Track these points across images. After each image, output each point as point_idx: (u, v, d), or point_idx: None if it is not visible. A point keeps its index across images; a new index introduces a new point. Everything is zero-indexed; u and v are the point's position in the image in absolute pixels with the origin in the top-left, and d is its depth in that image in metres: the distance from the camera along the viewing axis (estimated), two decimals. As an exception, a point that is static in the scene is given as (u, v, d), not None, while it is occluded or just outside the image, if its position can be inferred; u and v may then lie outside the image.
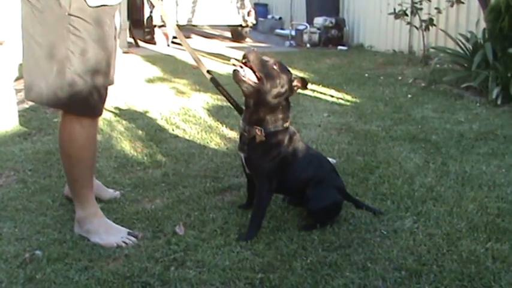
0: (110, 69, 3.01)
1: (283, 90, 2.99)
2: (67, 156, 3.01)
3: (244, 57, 2.93)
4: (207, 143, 4.87)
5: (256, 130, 2.99)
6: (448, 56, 8.11)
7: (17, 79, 6.28)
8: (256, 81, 2.91)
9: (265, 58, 2.99)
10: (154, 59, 10.47)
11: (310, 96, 6.84)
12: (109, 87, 3.06)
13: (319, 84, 7.68)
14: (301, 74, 8.38)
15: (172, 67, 9.27)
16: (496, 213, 3.37)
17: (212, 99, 6.52)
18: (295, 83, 3.07)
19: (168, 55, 11.04)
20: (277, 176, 3.12)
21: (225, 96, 3.40)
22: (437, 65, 8.50)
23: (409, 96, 7.02)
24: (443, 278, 2.64)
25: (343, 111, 6.21)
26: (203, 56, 11.00)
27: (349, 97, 7.01)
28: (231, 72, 2.97)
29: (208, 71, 3.42)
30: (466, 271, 2.70)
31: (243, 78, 2.89)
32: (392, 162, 4.28)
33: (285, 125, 3.07)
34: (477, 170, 4.13)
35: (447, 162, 4.29)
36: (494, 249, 2.91)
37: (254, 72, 2.90)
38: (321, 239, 3.03)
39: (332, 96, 7.03)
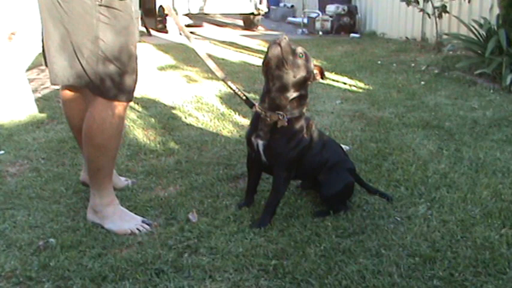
0: (136, 56, 3.00)
1: (307, 77, 3.00)
2: (95, 146, 2.98)
3: (275, 42, 2.89)
4: (220, 130, 4.87)
5: (279, 115, 2.97)
6: (461, 43, 8.05)
7: (29, 69, 6.30)
8: (286, 68, 2.89)
9: (293, 46, 2.95)
10: (167, 47, 10.47)
11: (323, 83, 6.80)
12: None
13: (331, 72, 7.65)
14: (313, 62, 8.40)
15: (184, 55, 9.26)
16: (511, 200, 3.36)
17: (224, 86, 6.49)
18: (315, 71, 3.08)
19: (180, 44, 11.02)
20: (297, 164, 3.11)
21: (234, 92, 3.38)
22: (450, 52, 8.47)
23: (422, 83, 6.99)
24: (457, 264, 2.63)
25: (356, 98, 6.20)
26: (215, 44, 11.01)
27: (361, 84, 7.00)
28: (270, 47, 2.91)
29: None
30: (480, 257, 2.69)
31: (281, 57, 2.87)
32: (405, 149, 4.27)
33: (303, 111, 3.07)
34: (491, 156, 4.11)
35: (461, 149, 4.27)
36: (509, 236, 2.90)
37: (284, 59, 2.88)
38: (335, 226, 3.02)
39: (345, 84, 7.02)
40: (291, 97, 2.97)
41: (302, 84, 2.99)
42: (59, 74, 2.86)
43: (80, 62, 2.78)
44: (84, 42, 2.76)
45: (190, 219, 3.11)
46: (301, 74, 2.94)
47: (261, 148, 3.07)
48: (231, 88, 3.29)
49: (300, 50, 2.96)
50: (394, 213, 3.20)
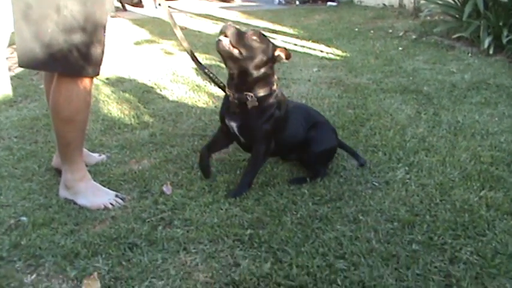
0: (105, 28, 2.93)
1: (265, 59, 2.96)
2: (62, 120, 2.92)
3: (221, 32, 2.87)
4: (195, 102, 4.80)
5: (247, 96, 2.95)
6: (438, 7, 8.01)
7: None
8: (236, 53, 2.86)
9: (243, 31, 2.94)
10: (142, 22, 10.37)
11: (300, 52, 6.77)
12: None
13: (308, 40, 7.61)
14: (290, 31, 8.38)
15: (160, 29, 9.17)
16: (490, 162, 3.34)
17: (200, 58, 6.41)
18: (277, 52, 3.03)
19: (155, 18, 10.92)
20: (274, 137, 3.09)
21: (209, 76, 3.36)
22: (428, 17, 8.44)
23: (400, 48, 6.95)
24: (437, 228, 2.61)
25: (333, 65, 6.14)
26: (192, 16, 10.92)
27: (339, 52, 6.94)
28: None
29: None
30: (460, 220, 2.67)
31: (226, 49, 2.84)
32: (383, 114, 4.23)
33: (273, 89, 3.04)
34: (470, 119, 4.08)
35: (439, 113, 4.24)
36: (488, 198, 2.89)
37: (233, 45, 2.86)
38: (311, 193, 2.99)
39: (322, 51, 6.96)
40: (255, 78, 2.95)
41: (263, 65, 2.96)
42: (26, 53, 2.77)
43: (44, 37, 2.70)
44: (49, 13, 2.67)
45: (164, 191, 3.07)
46: (257, 55, 2.92)
47: (236, 130, 3.06)
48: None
49: (251, 32, 2.95)
50: (371, 179, 3.17)
